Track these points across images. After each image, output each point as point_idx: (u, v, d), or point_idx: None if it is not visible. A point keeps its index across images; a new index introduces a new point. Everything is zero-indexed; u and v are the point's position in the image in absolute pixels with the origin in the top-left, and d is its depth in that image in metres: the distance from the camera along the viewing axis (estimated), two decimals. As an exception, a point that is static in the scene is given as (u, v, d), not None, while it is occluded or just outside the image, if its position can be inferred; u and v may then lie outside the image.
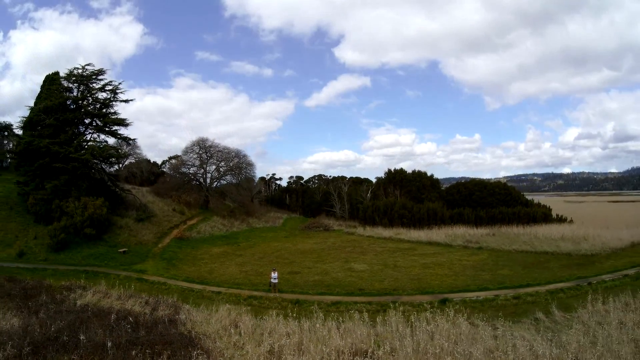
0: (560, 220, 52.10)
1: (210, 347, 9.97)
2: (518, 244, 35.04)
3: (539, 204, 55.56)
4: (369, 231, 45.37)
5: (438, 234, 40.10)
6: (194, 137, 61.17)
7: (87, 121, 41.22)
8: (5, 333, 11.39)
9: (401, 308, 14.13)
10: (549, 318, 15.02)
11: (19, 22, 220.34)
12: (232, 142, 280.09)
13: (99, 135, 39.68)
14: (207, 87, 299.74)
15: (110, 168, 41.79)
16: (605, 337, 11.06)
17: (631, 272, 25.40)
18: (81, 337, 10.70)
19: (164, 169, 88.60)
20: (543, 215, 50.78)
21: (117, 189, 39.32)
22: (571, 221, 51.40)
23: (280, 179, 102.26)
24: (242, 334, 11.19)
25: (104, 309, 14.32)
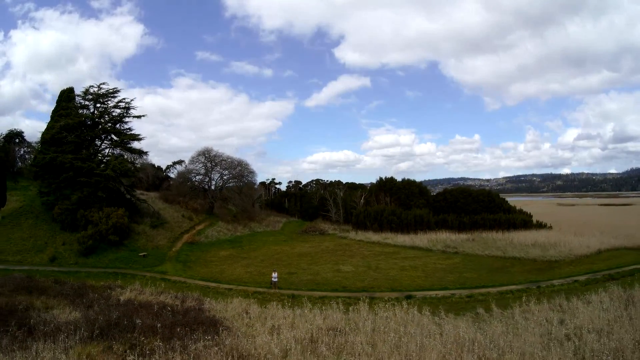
0: (540, 226, 55.52)
1: (230, 326, 14.45)
2: (491, 250, 38.99)
3: (521, 211, 59.24)
4: (360, 235, 49.85)
5: (421, 239, 44.44)
6: (199, 148, 65.33)
7: (104, 136, 45.71)
8: (73, 322, 15.86)
9: (367, 300, 18.59)
10: (488, 313, 19.17)
11: (19, 21, 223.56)
12: (231, 142, 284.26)
13: (115, 150, 44.02)
14: (207, 87, 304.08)
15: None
16: (520, 328, 15.38)
17: (582, 278, 28.47)
18: (137, 322, 15.19)
19: (169, 174, 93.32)
20: (522, 222, 54.55)
21: (133, 199, 43.77)
22: (550, 227, 54.83)
23: (279, 183, 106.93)
24: (252, 317, 15.70)
25: (145, 302, 18.79)
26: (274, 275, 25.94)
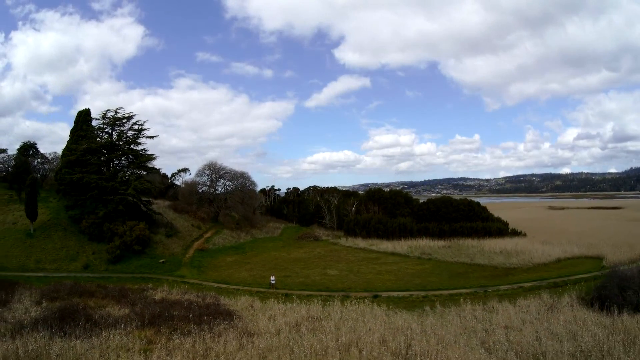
0: (515, 234, 59.99)
1: (240, 315, 20.80)
2: (460, 257, 44.27)
3: (498, 219, 64.17)
4: (350, 242, 56.12)
5: (402, 245, 50.48)
6: (205, 161, 71.81)
7: (123, 158, 52.09)
8: (125, 316, 22.12)
9: (341, 298, 24.95)
10: (432, 310, 24.98)
11: (20, 23, 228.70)
12: (232, 143, 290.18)
13: (134, 171, 50.34)
14: (208, 87, 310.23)
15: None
16: (449, 321, 21.51)
17: (528, 284, 32.25)
18: (175, 313, 21.54)
19: (175, 182, 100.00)
20: (498, 230, 59.56)
21: (150, 212, 50.09)
22: (524, 235, 59.46)
23: (278, 189, 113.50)
24: (255, 310, 22.09)
25: (175, 300, 25.12)
26: (272, 278, 32.25)
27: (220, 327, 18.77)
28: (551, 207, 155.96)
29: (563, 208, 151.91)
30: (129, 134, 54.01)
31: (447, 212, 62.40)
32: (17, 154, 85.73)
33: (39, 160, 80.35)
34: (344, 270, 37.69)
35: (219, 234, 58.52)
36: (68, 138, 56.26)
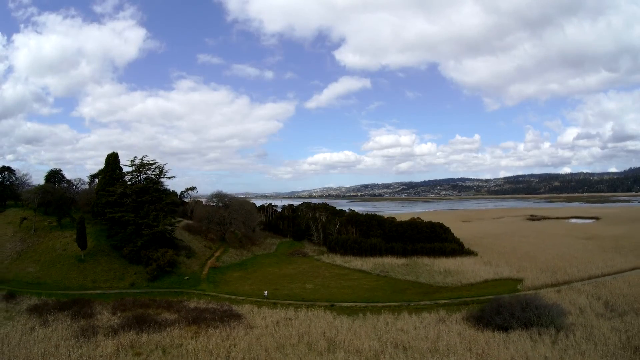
0: (468, 253, 70.74)
1: (245, 316, 35.89)
2: (409, 275, 55.93)
3: (455, 240, 75.57)
4: (330, 258, 70.79)
5: (369, 263, 64.67)
6: (214, 190, 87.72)
7: (152, 197, 67.09)
8: (176, 318, 37.21)
9: (305, 306, 39.85)
10: (365, 316, 39.08)
11: (22, 25, 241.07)
12: (233, 144, 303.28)
13: (162, 210, 65.28)
14: (209, 89, 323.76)
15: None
16: (367, 324, 36.03)
17: (444, 301, 42.51)
18: (207, 316, 36.69)
19: (184, 199, 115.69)
20: (452, 250, 71.24)
21: (175, 240, 65.07)
22: (476, 254, 69.46)
23: (275, 206, 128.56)
24: (254, 313, 37.18)
25: (204, 308, 40.10)
26: (265, 292, 47.22)
27: (233, 323, 33.88)
28: (532, 217, 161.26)
29: (542, 218, 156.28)
30: (151, 175, 69.33)
31: (412, 233, 76.16)
32: (45, 181, 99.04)
33: (64, 185, 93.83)
34: (318, 285, 52.49)
35: (226, 252, 73.37)
36: (100, 176, 72.34)
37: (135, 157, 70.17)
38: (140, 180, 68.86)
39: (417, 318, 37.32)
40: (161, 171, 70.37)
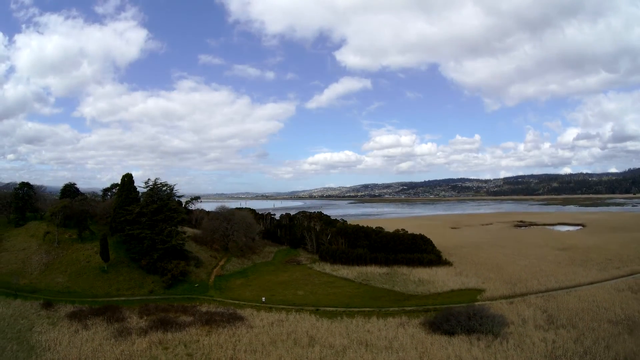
0: (444, 263, 76.15)
1: (247, 319, 45.90)
2: (387, 284, 64.09)
3: (433, 251, 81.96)
4: (320, 267, 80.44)
5: (353, 272, 73.93)
6: (218, 205, 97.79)
7: (165, 216, 76.99)
8: (192, 320, 47.18)
9: (294, 309, 49.73)
10: (342, 319, 49.71)
11: (23, 26, 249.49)
12: (234, 144, 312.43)
13: (175, 226, 75.20)
14: (210, 89, 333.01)
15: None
16: (344, 326, 46.02)
17: (410, 308, 49.82)
18: (217, 318, 46.69)
19: (189, 207, 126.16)
20: (429, 260, 77.85)
21: (185, 252, 75.01)
22: (451, 264, 74.42)
23: (274, 214, 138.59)
24: (254, 316, 47.24)
25: (213, 311, 50.02)
26: (263, 298, 57.09)
27: (237, 324, 43.83)
28: (520, 223, 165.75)
29: (530, 225, 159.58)
30: (162, 195, 79.33)
31: (395, 244, 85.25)
32: (60, 195, 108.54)
33: (80, 198, 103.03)
34: (307, 292, 62.28)
35: (229, 261, 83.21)
36: (113, 189, 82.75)
37: (148, 179, 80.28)
38: (154, 200, 78.64)
39: (383, 322, 45.55)
40: (171, 191, 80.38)
